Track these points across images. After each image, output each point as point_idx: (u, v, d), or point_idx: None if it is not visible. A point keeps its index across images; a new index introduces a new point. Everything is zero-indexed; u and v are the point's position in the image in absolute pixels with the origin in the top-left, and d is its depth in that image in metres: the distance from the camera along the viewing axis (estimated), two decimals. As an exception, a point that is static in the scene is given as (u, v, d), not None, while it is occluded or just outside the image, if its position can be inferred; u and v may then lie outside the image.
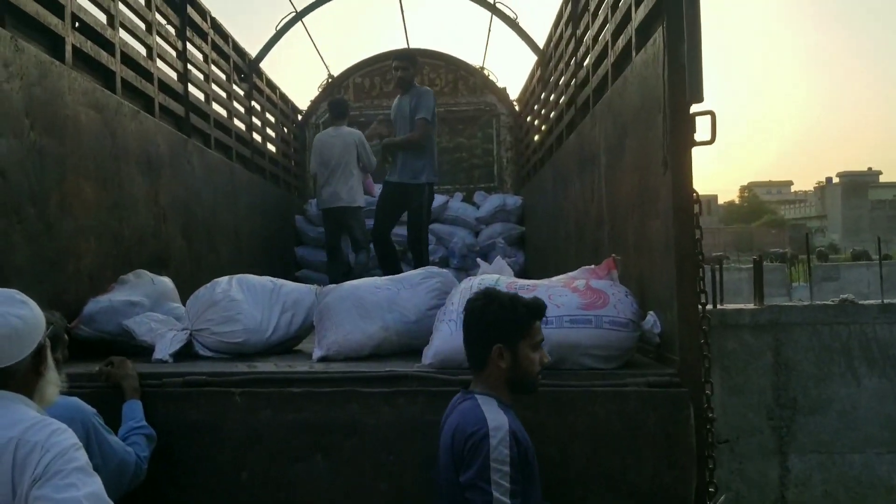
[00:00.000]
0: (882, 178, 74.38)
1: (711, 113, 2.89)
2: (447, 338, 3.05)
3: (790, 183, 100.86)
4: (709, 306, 3.01)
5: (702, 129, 2.93)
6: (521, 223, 8.64)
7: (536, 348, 2.42)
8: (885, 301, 5.44)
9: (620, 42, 3.95)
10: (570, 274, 3.43)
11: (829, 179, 72.75)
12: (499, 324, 2.38)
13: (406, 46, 9.39)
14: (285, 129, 9.10)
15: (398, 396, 2.86)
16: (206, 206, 5.69)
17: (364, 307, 3.46)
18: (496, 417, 2.25)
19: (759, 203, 78.54)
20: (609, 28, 4.22)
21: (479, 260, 3.84)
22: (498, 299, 2.42)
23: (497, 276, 3.34)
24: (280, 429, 2.84)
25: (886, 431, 5.12)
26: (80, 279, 3.73)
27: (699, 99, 2.87)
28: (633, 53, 3.61)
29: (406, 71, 6.32)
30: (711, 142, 2.91)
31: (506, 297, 2.43)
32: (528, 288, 3.18)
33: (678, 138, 2.92)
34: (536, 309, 2.43)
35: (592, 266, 3.41)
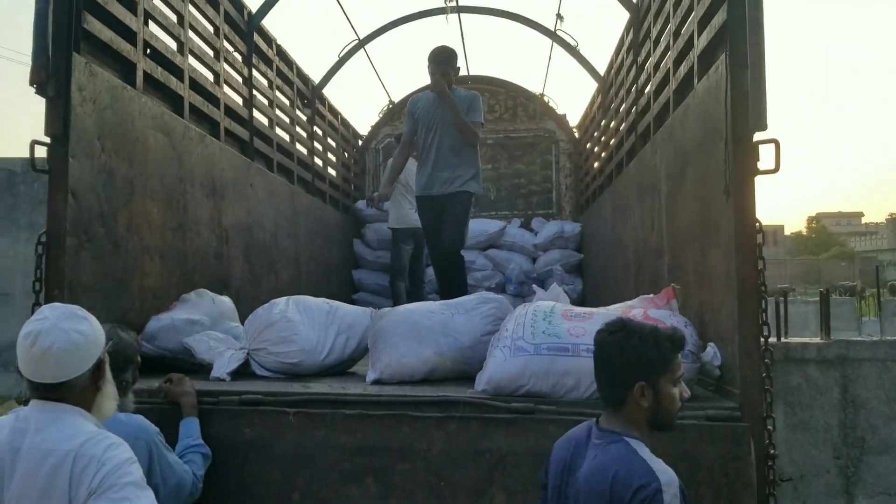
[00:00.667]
0: (959, 211, 71.53)
1: (776, 141, 2.83)
2: (501, 364, 3.03)
3: (861, 214, 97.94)
4: (772, 339, 2.93)
5: (766, 158, 2.88)
6: (579, 250, 8.57)
7: (677, 383, 2.23)
8: (961, 338, 5.19)
9: (682, 69, 3.91)
10: (629, 302, 3.38)
11: (902, 211, 70.39)
12: (641, 359, 2.16)
13: (466, 73, 9.45)
14: (346, 154, 9.24)
15: (450, 422, 2.84)
16: (267, 228, 5.80)
17: (418, 331, 3.45)
18: (665, 470, 2.05)
19: (828, 235, 76.41)
20: (671, 55, 4.18)
21: (534, 286, 3.80)
22: (638, 332, 2.20)
23: (553, 303, 3.31)
24: (332, 450, 2.85)
25: (962, 475, 4.87)
26: (144, 297, 3.83)
27: (763, 127, 2.82)
28: (696, 80, 3.56)
29: (446, 75, 5.53)
30: (776, 171, 2.85)
31: (646, 330, 2.22)
32: (585, 316, 3.14)
33: (741, 167, 2.86)
34: (679, 342, 2.23)
35: (651, 295, 3.36)
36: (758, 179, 2.86)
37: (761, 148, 2.85)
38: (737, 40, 2.89)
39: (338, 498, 2.82)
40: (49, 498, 1.89)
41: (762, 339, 2.83)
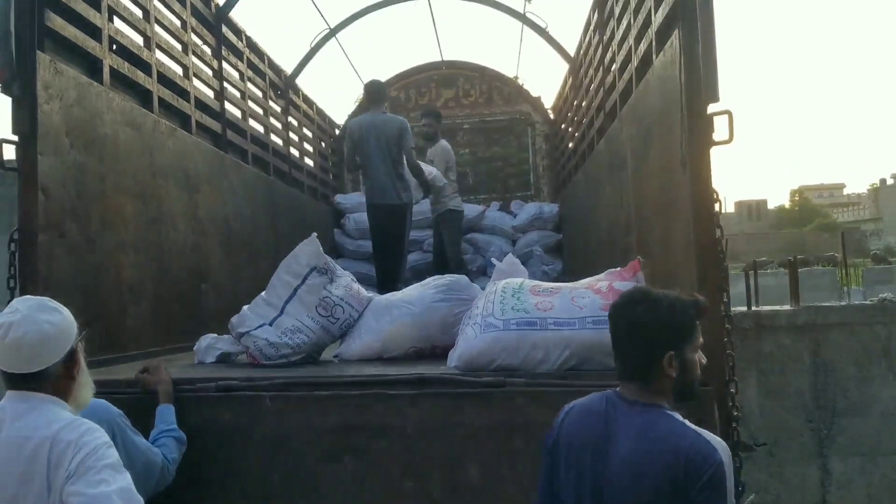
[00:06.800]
0: (940, 178, 71.96)
1: (728, 112, 2.90)
2: (472, 341, 3.10)
3: (842, 186, 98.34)
4: (743, 308, 3.00)
5: (721, 130, 2.94)
6: (558, 231, 8.64)
7: (698, 350, 2.14)
8: (929, 301, 5.30)
9: (642, 46, 3.98)
10: (596, 277, 3.44)
11: (882, 181, 70.91)
12: (671, 328, 2.06)
13: (440, 59, 9.50)
14: (323, 144, 9.26)
15: (424, 398, 2.90)
16: (244, 219, 5.83)
17: (377, 310, 3.71)
18: (719, 441, 1.99)
19: (811, 207, 76.71)
20: (632, 33, 4.25)
21: (493, 259, 3.89)
22: (665, 300, 2.09)
23: (522, 279, 3.37)
24: (309, 431, 2.90)
25: (932, 434, 4.98)
26: (121, 291, 3.87)
27: (715, 99, 2.89)
28: (654, 56, 3.63)
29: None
30: (730, 141, 2.92)
31: (672, 297, 2.10)
32: (552, 291, 3.21)
33: (696, 138, 2.94)
34: (702, 308, 2.14)
35: (618, 268, 3.43)
36: (741, 154, 2.93)
37: (716, 119, 2.92)
38: (688, 15, 2.96)
39: (316, 477, 2.89)
40: (28, 483, 1.94)
41: (722, 306, 2.90)
